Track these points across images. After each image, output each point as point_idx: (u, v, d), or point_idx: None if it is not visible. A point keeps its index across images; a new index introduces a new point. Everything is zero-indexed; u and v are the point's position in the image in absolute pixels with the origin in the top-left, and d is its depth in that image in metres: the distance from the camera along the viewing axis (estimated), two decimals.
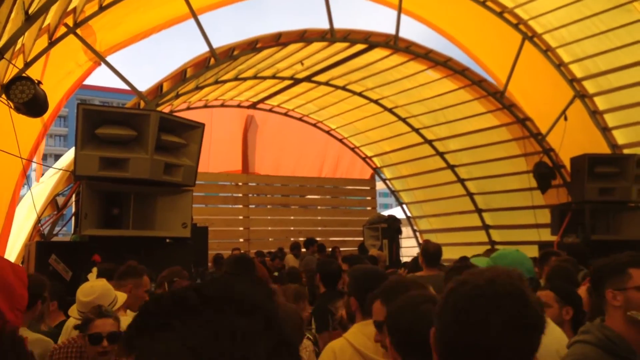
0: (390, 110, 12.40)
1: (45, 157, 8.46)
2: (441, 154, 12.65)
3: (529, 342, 1.21)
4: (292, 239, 12.39)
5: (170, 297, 0.73)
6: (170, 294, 0.74)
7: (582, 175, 8.90)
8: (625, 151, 9.81)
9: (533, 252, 8.54)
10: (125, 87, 7.55)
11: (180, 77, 7.83)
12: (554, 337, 2.81)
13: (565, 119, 9.70)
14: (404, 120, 12.49)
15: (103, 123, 5.48)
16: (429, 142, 12.63)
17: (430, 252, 5.62)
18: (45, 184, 7.70)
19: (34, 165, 10.99)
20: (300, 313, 3.68)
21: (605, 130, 10.10)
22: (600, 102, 10.05)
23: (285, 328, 0.75)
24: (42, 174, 8.61)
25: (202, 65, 7.91)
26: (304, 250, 10.86)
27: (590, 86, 9.98)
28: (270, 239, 13.43)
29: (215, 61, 7.78)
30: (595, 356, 2.20)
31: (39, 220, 6.65)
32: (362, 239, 12.39)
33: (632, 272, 2.17)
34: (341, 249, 11.62)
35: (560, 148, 9.97)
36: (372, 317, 2.38)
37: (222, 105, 12.73)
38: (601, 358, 2.07)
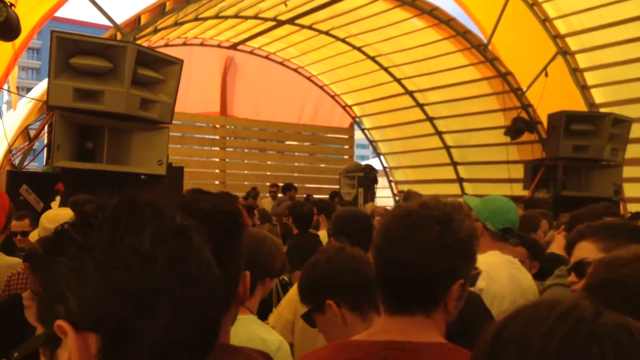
0: (372, 59, 12.26)
1: (17, 89, 8.20)
2: (421, 106, 12.63)
3: (443, 260, 1.24)
4: (267, 184, 12.40)
5: (80, 216, 0.75)
6: (81, 213, 0.75)
7: (558, 132, 8.99)
8: (602, 110, 9.91)
9: None
10: (100, 21, 7.30)
11: (159, 10, 7.59)
12: (525, 281, 2.88)
13: (546, 75, 9.71)
14: (386, 69, 12.38)
15: (78, 53, 5.32)
16: (410, 93, 12.58)
17: (408, 198, 5.71)
18: (16, 114, 7.51)
19: (4, 97, 10.69)
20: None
21: (584, 89, 10.16)
22: (582, 60, 10.08)
23: (182, 219, 0.75)
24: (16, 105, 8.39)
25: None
26: (280, 195, 10.89)
27: (573, 43, 9.97)
28: (246, 183, 13.37)
29: None
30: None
31: (10, 150, 6.52)
32: (338, 186, 12.46)
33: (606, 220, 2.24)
34: (316, 196, 11.68)
35: (539, 104, 10.02)
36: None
37: (202, 45, 12.42)
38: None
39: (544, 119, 9.74)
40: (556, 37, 9.93)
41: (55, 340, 0.69)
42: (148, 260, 0.69)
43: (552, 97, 9.73)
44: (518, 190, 10.08)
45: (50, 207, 4.54)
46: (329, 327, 1.79)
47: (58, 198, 3.68)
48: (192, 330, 0.72)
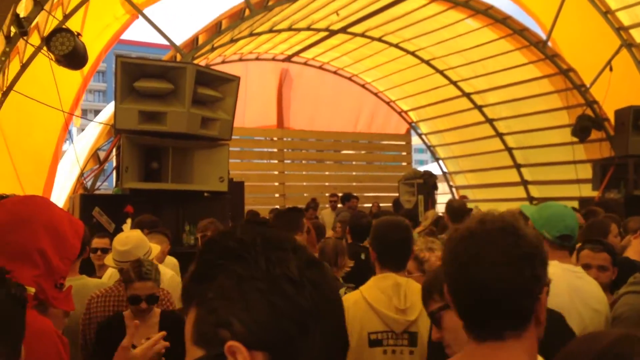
0: (427, 62, 12.12)
1: (85, 112, 8.60)
2: (479, 108, 12.37)
3: (525, 272, 1.18)
4: (326, 194, 12.44)
5: (212, 247, 0.86)
6: (209, 244, 0.87)
7: (627, 128, 8.63)
8: None
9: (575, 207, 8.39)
10: (161, 41, 7.57)
11: (215, 29, 7.78)
12: (589, 289, 2.75)
13: (611, 69, 9.31)
14: (441, 72, 12.21)
15: (141, 76, 5.52)
16: (467, 95, 12.34)
17: (454, 208, 5.64)
18: (86, 139, 7.85)
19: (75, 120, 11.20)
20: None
21: None
22: None
23: (309, 250, 0.88)
24: (83, 129, 8.78)
25: (237, 17, 7.82)
26: (340, 205, 10.89)
27: (638, 35, 9.52)
28: (305, 194, 13.47)
29: (250, 12, 7.68)
30: None
31: (82, 174, 6.82)
32: (397, 194, 12.34)
33: None
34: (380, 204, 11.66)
35: (605, 100, 9.62)
36: None
37: (257, 59, 12.63)
38: None
39: (611, 116, 9.35)
40: (619, 29, 9.52)
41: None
42: (299, 286, 0.80)
43: (618, 92, 9.32)
44: (587, 191, 9.70)
45: (121, 229, 4.71)
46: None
47: (129, 220, 3.83)
48: (338, 346, 0.85)
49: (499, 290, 1.17)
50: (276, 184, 13.60)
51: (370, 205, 11.90)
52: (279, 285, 0.80)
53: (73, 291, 1.76)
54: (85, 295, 3.10)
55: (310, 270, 0.84)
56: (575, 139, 9.84)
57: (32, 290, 1.53)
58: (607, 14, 9.45)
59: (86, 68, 6.00)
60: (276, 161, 13.61)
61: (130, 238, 3.40)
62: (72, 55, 4.69)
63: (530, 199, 11.91)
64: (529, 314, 1.19)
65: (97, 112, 8.91)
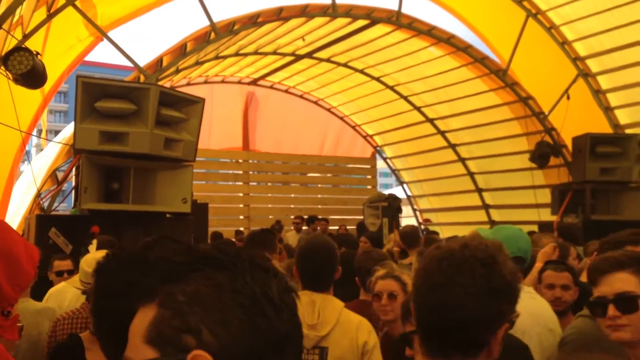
0: (391, 88, 12.32)
1: (46, 133, 8.43)
2: (442, 133, 12.60)
3: (492, 303, 1.19)
4: (292, 217, 12.41)
5: (192, 253, 0.84)
6: (188, 251, 0.86)
7: (584, 155, 8.87)
8: (628, 131, 9.76)
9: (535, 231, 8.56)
10: (125, 63, 7.49)
11: (180, 52, 7.76)
12: (544, 310, 2.81)
13: (568, 98, 9.63)
14: (405, 98, 12.42)
15: (103, 96, 5.44)
16: (430, 121, 12.57)
17: (407, 233, 5.78)
18: (45, 159, 7.68)
19: (33, 141, 10.95)
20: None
21: (608, 110, 10.04)
22: (604, 81, 9.98)
23: (285, 279, 0.88)
24: (41, 149, 8.58)
25: (202, 40, 7.84)
26: (305, 227, 10.89)
27: (593, 65, 9.90)
28: (270, 217, 13.41)
29: (216, 35, 7.70)
30: (590, 330, 2.22)
31: (39, 194, 6.65)
32: (362, 217, 12.39)
33: (629, 249, 2.18)
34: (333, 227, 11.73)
35: (562, 127, 9.91)
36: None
37: (223, 82, 12.64)
38: (597, 331, 2.08)
39: (569, 142, 9.63)
40: (576, 59, 9.88)
41: None
42: (279, 309, 0.80)
43: (576, 120, 9.63)
44: (546, 215, 9.91)
45: (79, 249, 4.59)
46: None
47: (95, 241, 3.73)
48: None
49: (461, 318, 1.19)
50: (241, 205, 13.51)
51: (337, 227, 11.94)
52: (260, 304, 0.79)
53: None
54: (26, 319, 3.00)
55: (288, 296, 0.84)
56: (534, 165, 10.09)
57: None
58: (564, 44, 9.81)
59: (47, 88, 5.90)
60: (241, 183, 13.56)
61: (99, 259, 3.31)
62: (30, 75, 4.60)
63: (492, 222, 12.11)
64: (483, 345, 1.20)
65: (57, 132, 8.75)
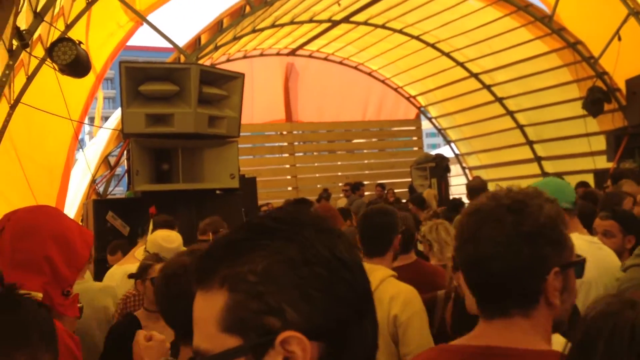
0: (432, 46, 12.04)
1: (95, 119, 8.72)
2: (488, 87, 12.27)
3: (524, 252, 1.14)
4: (339, 184, 12.44)
5: (245, 227, 0.79)
6: (242, 225, 0.80)
7: (638, 97, 8.49)
8: None
9: (589, 180, 8.31)
10: (166, 45, 7.58)
11: (217, 28, 7.79)
12: (610, 260, 2.75)
13: (619, 39, 9.16)
14: (447, 55, 12.12)
15: (146, 80, 5.54)
16: (475, 76, 12.24)
17: (474, 187, 5.63)
18: (96, 145, 7.93)
19: (86, 129, 11.32)
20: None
21: None
22: None
23: (346, 235, 0.84)
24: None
25: (238, 14, 7.83)
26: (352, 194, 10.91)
27: None
28: (318, 186, 13.48)
29: (251, 8, 7.69)
30: None
31: (94, 180, 6.89)
32: (410, 180, 12.31)
33: None
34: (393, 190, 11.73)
35: (615, 71, 9.47)
36: None
37: (261, 55, 12.64)
38: None
39: (622, 86, 9.22)
40: None
41: (261, 350, 0.72)
42: (353, 270, 0.77)
43: (629, 62, 9.17)
44: (602, 163, 9.60)
45: (136, 231, 4.75)
46: None
47: (152, 221, 3.87)
48: (377, 329, 0.82)
49: (498, 269, 1.15)
50: (288, 177, 13.62)
51: (385, 191, 11.91)
52: (337, 270, 0.75)
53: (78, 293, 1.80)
54: (88, 299, 3.13)
55: (355, 253, 0.80)
56: (586, 112, 9.73)
57: (39, 295, 1.56)
58: None
59: (94, 75, 6.05)
60: (287, 155, 13.63)
61: (173, 237, 3.42)
62: (75, 64, 4.73)
63: (545, 174, 11.81)
64: (534, 294, 1.15)
65: (107, 118, 9.00)
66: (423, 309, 2.60)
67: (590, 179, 8.69)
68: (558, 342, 1.38)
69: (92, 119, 8.22)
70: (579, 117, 10.26)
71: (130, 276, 3.01)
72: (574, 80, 10.59)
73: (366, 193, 11.15)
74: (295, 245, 0.74)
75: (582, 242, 2.62)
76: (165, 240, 3.34)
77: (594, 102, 9.50)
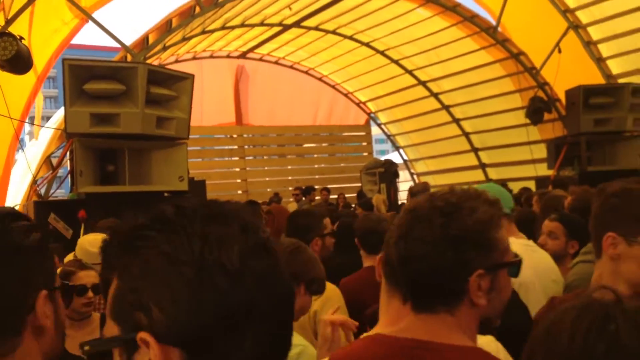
0: (382, 53, 12.21)
1: (39, 119, 8.41)
2: (435, 95, 12.54)
3: (447, 254, 1.18)
4: (290, 189, 12.43)
5: (150, 214, 0.75)
6: (150, 212, 0.75)
7: (577, 107, 8.85)
8: (620, 81, 9.72)
9: (531, 187, 8.60)
10: (112, 44, 7.40)
11: (166, 28, 7.67)
12: (545, 262, 2.85)
13: (559, 51, 9.55)
14: (396, 62, 12.32)
15: (90, 78, 5.39)
16: (423, 84, 12.50)
17: (416, 192, 5.77)
18: (38, 145, 7.65)
19: (27, 129, 10.91)
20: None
21: (600, 61, 9.98)
22: (594, 32, 9.90)
23: (264, 233, 0.76)
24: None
25: (187, 14, 7.72)
26: (303, 198, 10.92)
27: (583, 16, 9.79)
28: (268, 190, 13.45)
29: (201, 9, 7.59)
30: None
31: (35, 181, 6.64)
32: (359, 184, 12.44)
33: None
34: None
35: (555, 81, 9.86)
36: None
37: (212, 57, 12.51)
38: None
39: (562, 96, 9.60)
40: (566, 11, 9.77)
41: (133, 345, 0.70)
42: (236, 278, 0.69)
43: (568, 73, 9.57)
44: (542, 170, 9.95)
45: (79, 235, 4.61)
46: None
47: (83, 225, 3.74)
48: (271, 346, 0.73)
49: (424, 268, 1.19)
50: (238, 180, 13.52)
51: (336, 196, 11.98)
52: (210, 275, 0.68)
53: None
54: None
55: (257, 257, 0.72)
56: (529, 121, 10.08)
57: None
58: None
59: (36, 74, 5.84)
60: (237, 158, 13.53)
61: (100, 240, 3.29)
62: (16, 60, 4.56)
63: (489, 181, 12.15)
64: (458, 293, 1.19)
65: (48, 118, 8.69)
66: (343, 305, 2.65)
67: (531, 185, 9.00)
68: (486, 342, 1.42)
69: (32, 119, 7.92)
70: (522, 125, 10.62)
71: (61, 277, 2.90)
72: (516, 90, 10.96)
73: (317, 197, 11.19)
74: (174, 238, 0.70)
75: (517, 245, 2.69)
76: (92, 244, 3.20)
77: (535, 112, 9.85)
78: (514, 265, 1.29)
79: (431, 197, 1.27)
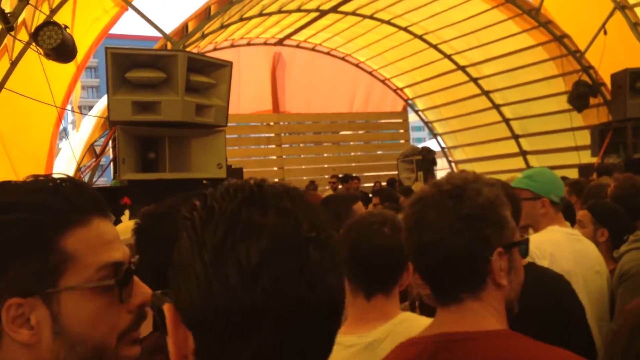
0: (420, 38, 12.03)
1: (78, 108, 8.59)
2: (475, 80, 12.30)
3: (465, 234, 1.17)
4: (326, 176, 12.42)
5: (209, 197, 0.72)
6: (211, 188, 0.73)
7: (624, 92, 8.56)
8: None
9: (574, 175, 8.37)
10: (151, 33, 7.50)
11: (204, 15, 7.71)
12: (589, 251, 2.75)
13: (605, 33, 9.23)
14: (435, 47, 12.12)
15: (132, 66, 5.46)
16: (462, 68, 12.27)
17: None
18: (81, 134, 7.82)
19: (69, 117, 11.16)
20: None
21: None
22: None
23: (313, 228, 0.70)
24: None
25: (225, 2, 7.75)
26: (340, 187, 10.88)
27: None
28: (304, 178, 13.46)
29: None
30: None
31: (79, 169, 6.79)
32: (396, 172, 12.33)
33: None
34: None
35: (600, 65, 9.55)
36: None
37: (249, 44, 12.54)
38: None
39: (607, 80, 9.29)
40: None
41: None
42: (250, 276, 0.63)
43: (614, 56, 9.25)
44: (586, 157, 9.68)
45: (120, 221, 4.69)
46: None
47: (127, 212, 3.81)
48: (283, 356, 0.65)
49: (442, 254, 1.18)
50: (275, 168, 13.58)
51: (372, 184, 11.91)
52: (223, 266, 0.63)
53: None
54: None
55: (285, 256, 0.64)
56: (572, 106, 9.80)
57: None
58: None
59: (77, 62, 5.95)
60: (274, 146, 13.58)
61: (130, 227, 3.38)
62: (61, 48, 4.64)
63: (530, 169, 11.89)
64: (480, 275, 1.18)
65: (90, 107, 8.87)
66: None
67: (574, 173, 8.76)
68: None
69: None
70: (565, 111, 10.33)
71: None
72: (559, 74, 10.65)
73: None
74: (205, 221, 0.67)
75: (560, 234, 2.64)
76: (121, 232, 3.27)
77: (580, 97, 9.56)
78: (524, 244, 1.27)
79: (435, 184, 1.27)
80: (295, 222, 0.67)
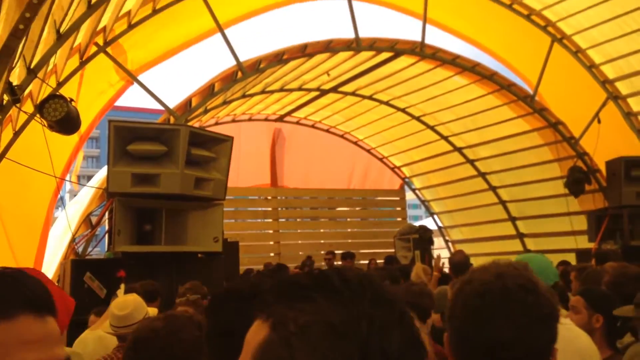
0: (418, 119, 12.29)
1: (78, 178, 8.65)
2: (471, 162, 12.46)
3: (545, 332, 1.14)
4: (322, 252, 12.30)
5: (312, 275, 0.74)
6: (311, 272, 0.75)
7: (619, 179, 8.68)
8: None
9: (571, 259, 8.32)
10: (155, 106, 7.65)
11: (208, 92, 7.89)
12: (576, 337, 2.68)
13: (599, 121, 9.47)
14: (432, 128, 12.36)
15: (134, 139, 5.53)
16: (459, 150, 12.46)
17: (456, 262, 5.61)
18: (78, 204, 7.81)
19: (67, 187, 11.19)
20: None
21: None
22: (634, 103, 9.80)
23: (415, 327, 0.75)
24: (75, 195, 8.73)
25: (229, 79, 7.96)
26: (338, 263, 10.75)
27: (623, 87, 9.75)
28: (300, 253, 13.34)
29: (243, 74, 7.83)
30: None
31: (73, 239, 6.73)
32: (393, 250, 12.23)
33: None
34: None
35: (595, 152, 9.72)
36: None
37: (250, 119, 12.79)
38: None
39: (602, 167, 9.42)
40: (605, 82, 9.74)
41: None
42: None
43: (608, 144, 9.44)
44: (583, 242, 9.66)
45: (116, 295, 4.60)
46: None
47: (122, 285, 3.76)
48: None
49: (522, 350, 1.12)
50: (271, 242, 13.48)
51: (367, 262, 11.79)
52: (372, 356, 0.66)
53: None
54: None
55: (413, 349, 0.70)
56: (567, 191, 9.88)
57: None
58: (592, 68, 9.70)
59: (79, 134, 6.03)
60: (271, 220, 13.55)
61: (128, 302, 3.33)
62: (65, 121, 4.71)
63: (527, 252, 11.82)
64: None
65: (90, 177, 8.92)
66: None
67: (572, 258, 8.71)
68: None
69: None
70: (561, 195, 10.40)
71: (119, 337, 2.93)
72: (555, 159, 10.82)
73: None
74: (342, 310, 0.68)
75: None
76: (118, 307, 3.27)
77: (576, 182, 9.67)
78: None
79: (504, 274, 1.18)
80: (410, 319, 0.74)
